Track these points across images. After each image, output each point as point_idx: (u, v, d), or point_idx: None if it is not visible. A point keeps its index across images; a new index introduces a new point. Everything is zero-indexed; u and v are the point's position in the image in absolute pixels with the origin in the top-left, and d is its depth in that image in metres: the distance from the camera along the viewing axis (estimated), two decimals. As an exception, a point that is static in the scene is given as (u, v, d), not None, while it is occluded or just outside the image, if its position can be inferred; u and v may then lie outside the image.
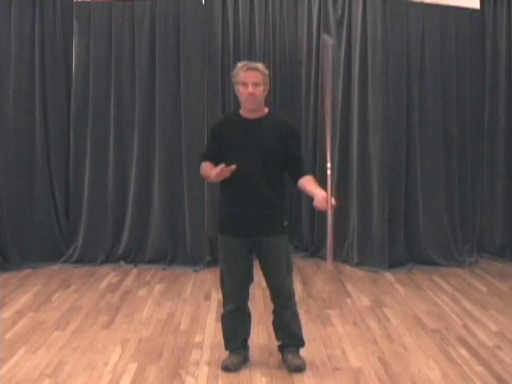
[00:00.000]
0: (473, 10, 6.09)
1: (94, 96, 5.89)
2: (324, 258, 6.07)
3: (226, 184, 3.38)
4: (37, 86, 5.82)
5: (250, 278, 3.48)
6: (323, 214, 6.08)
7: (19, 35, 5.77)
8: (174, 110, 5.82)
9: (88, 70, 5.87)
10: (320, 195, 3.13)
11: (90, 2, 5.85)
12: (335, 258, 6.02)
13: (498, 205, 6.25)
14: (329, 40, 3.53)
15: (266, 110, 3.44)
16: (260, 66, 3.36)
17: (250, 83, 3.27)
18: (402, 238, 5.87)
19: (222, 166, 3.17)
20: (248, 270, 3.45)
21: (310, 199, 5.99)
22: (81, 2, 5.87)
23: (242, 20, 6.00)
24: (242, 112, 3.43)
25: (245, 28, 6.01)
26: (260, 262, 3.46)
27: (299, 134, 3.61)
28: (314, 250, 6.21)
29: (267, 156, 3.32)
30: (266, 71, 3.36)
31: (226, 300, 3.51)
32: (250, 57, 5.92)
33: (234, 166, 3.16)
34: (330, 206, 3.07)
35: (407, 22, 5.83)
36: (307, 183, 3.33)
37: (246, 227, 3.35)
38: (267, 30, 6.07)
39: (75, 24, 5.86)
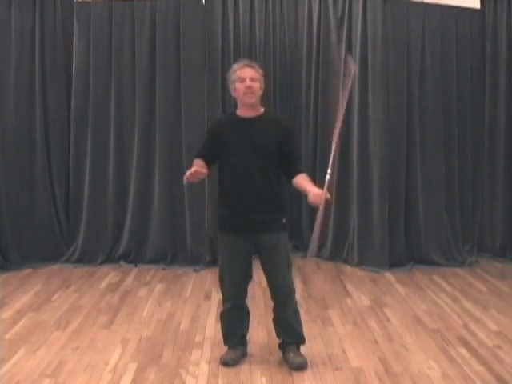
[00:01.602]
0: (473, 10, 6.10)
1: (94, 96, 5.88)
2: (324, 258, 6.07)
3: (224, 183, 3.44)
4: (37, 85, 5.81)
5: (248, 277, 3.52)
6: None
7: (19, 35, 5.76)
8: (174, 110, 5.82)
9: (88, 70, 5.87)
10: (315, 191, 3.20)
11: (90, 2, 5.85)
12: (335, 259, 6.03)
13: (498, 204, 6.24)
14: (352, 64, 3.50)
15: (262, 109, 3.49)
16: (255, 64, 3.47)
17: (248, 77, 3.36)
18: (402, 238, 5.87)
19: (194, 169, 3.23)
20: (247, 269, 3.49)
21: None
22: (81, 2, 5.87)
23: (242, 20, 6.00)
24: (238, 112, 3.48)
25: (245, 28, 6.01)
26: (260, 260, 3.48)
27: (295, 133, 3.68)
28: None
29: (264, 154, 3.36)
30: (261, 71, 3.45)
31: (224, 298, 3.55)
32: (250, 57, 5.91)
33: (205, 170, 3.28)
34: (323, 197, 3.13)
35: (407, 21, 5.82)
36: (302, 181, 3.38)
37: (246, 226, 3.38)
38: (267, 29, 6.06)
39: (75, 24, 5.86)
